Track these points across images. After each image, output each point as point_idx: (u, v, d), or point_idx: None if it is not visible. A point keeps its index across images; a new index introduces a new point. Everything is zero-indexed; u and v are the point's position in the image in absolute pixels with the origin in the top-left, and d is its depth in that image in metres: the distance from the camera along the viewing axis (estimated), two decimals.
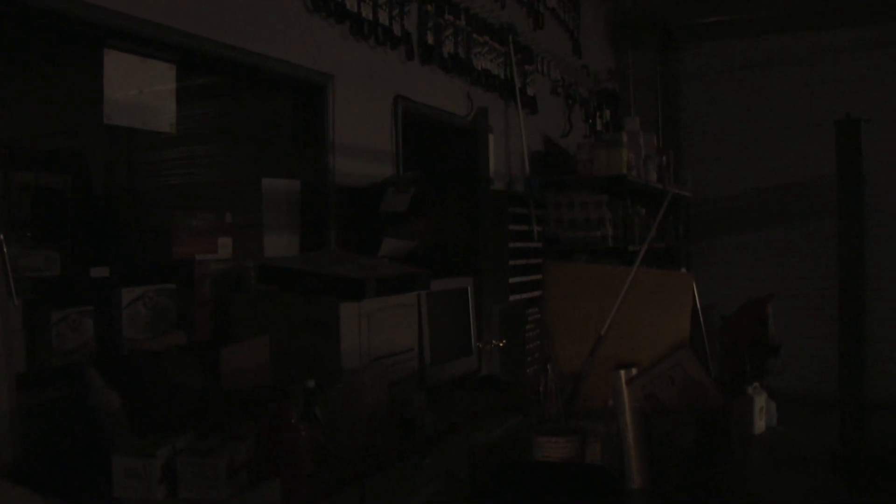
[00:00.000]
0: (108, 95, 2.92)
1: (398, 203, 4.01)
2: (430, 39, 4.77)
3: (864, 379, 6.17)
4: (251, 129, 4.01)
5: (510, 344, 4.56)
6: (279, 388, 2.62)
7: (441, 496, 2.97)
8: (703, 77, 8.67)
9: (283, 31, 3.67)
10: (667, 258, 7.96)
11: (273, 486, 2.20)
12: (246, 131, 3.99)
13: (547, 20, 6.58)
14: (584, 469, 3.40)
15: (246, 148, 4.02)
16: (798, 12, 7.93)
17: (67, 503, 2.08)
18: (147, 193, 3.46)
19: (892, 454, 5.74)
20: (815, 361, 7.34)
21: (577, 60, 7.31)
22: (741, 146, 8.45)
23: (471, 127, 4.91)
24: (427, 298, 3.43)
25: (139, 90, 3.08)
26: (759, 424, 7.01)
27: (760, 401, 7.03)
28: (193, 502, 2.05)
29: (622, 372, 5.51)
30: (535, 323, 5.27)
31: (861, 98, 7.33)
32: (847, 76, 7.88)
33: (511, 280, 4.97)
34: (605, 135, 7.07)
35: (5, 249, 2.36)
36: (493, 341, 4.71)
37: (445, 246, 4.70)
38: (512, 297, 4.94)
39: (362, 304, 2.95)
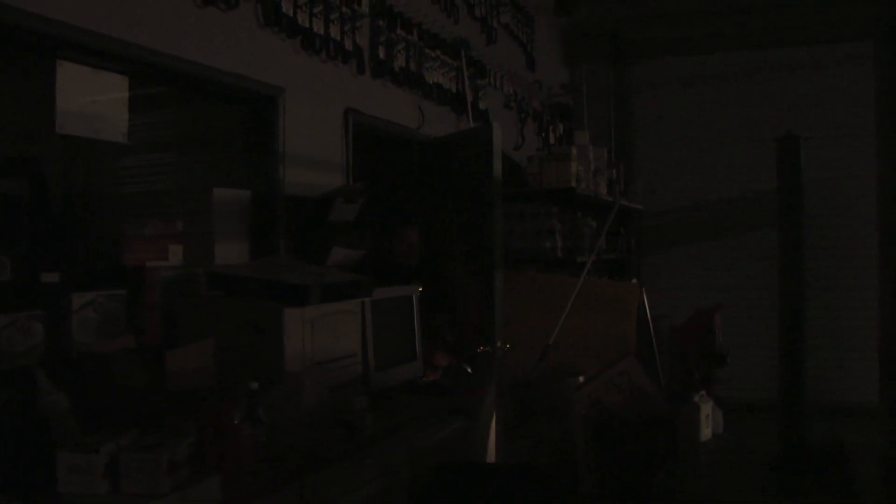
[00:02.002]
0: (61, 105, 3.00)
1: (347, 213, 4.12)
2: (381, 54, 4.89)
3: (804, 385, 6.35)
4: (203, 139, 4.10)
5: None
6: (223, 389, 2.71)
7: (381, 496, 3.07)
8: (654, 92, 8.87)
9: (235, 44, 3.76)
10: (618, 270, 8.13)
11: (213, 482, 2.29)
12: (198, 142, 4.08)
13: (500, 35, 6.72)
14: (522, 469, 3.51)
15: (198, 158, 4.11)
16: (744, 32, 8.18)
17: (11, 500, 2.16)
18: (99, 201, 3.54)
19: (829, 455, 5.93)
20: (759, 369, 7.55)
21: (530, 75, 7.46)
22: (690, 160, 8.65)
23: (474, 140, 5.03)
24: (372, 306, 3.53)
25: (92, 100, 3.16)
26: (706, 431, 7.19)
27: (707, 408, 7.21)
28: (135, 496, 2.13)
29: (570, 379, 5.67)
30: None
31: (801, 115, 7.58)
32: (789, 94, 8.13)
33: None
34: (555, 148, 7.21)
35: None
36: (500, 343, 4.83)
37: (402, 256, 4.82)
38: None
39: (306, 309, 3.05)
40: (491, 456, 4.36)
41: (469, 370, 4.24)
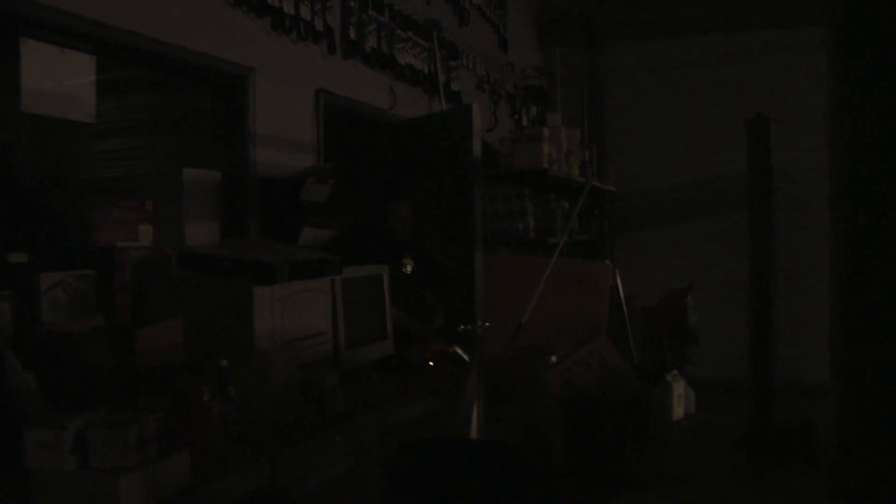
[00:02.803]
0: (26, 84, 2.99)
1: (318, 193, 4.13)
2: (353, 34, 4.88)
3: (773, 364, 6.43)
4: (174, 120, 4.09)
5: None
6: (193, 367, 2.73)
7: (352, 474, 3.10)
8: (627, 75, 8.92)
9: (204, 24, 3.75)
10: (591, 251, 8.19)
11: (183, 458, 2.31)
12: (168, 122, 4.07)
13: (473, 17, 6.73)
14: (493, 446, 3.54)
15: (168, 138, 4.10)
16: (715, 16, 8.23)
17: None
18: (69, 181, 3.53)
19: (795, 432, 6.03)
20: (730, 349, 7.64)
21: (503, 56, 7.47)
22: (662, 142, 8.72)
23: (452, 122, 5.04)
24: (342, 284, 3.55)
25: (58, 80, 3.15)
26: (678, 410, 7.29)
27: (679, 388, 7.31)
28: (103, 471, 2.14)
29: (543, 359, 5.72)
30: None
31: (772, 98, 7.64)
32: (759, 77, 8.20)
33: None
34: (527, 129, 7.24)
35: None
36: (481, 322, 4.86)
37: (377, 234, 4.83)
38: None
39: (275, 288, 3.06)
40: (473, 435, 4.41)
41: (463, 354, 4.25)
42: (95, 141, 4.05)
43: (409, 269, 4.52)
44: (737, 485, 5.64)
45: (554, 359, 5.70)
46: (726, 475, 5.80)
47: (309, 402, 3.04)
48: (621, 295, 7.60)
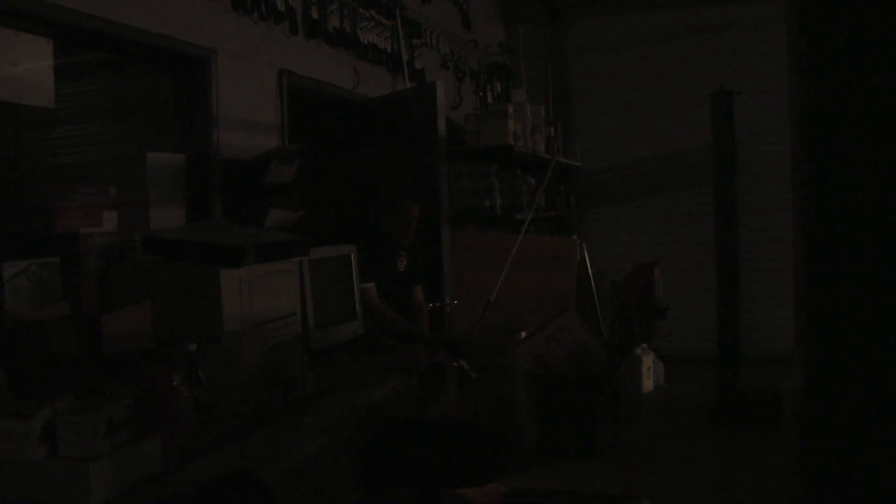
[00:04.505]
0: None
1: (283, 175, 4.11)
2: (314, 14, 4.85)
3: (740, 335, 6.52)
4: (135, 103, 4.05)
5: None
6: (161, 351, 2.71)
7: (323, 455, 3.10)
8: (591, 51, 8.93)
9: (164, 5, 3.71)
10: (559, 226, 8.23)
11: (153, 443, 2.30)
12: (130, 106, 4.03)
13: None
14: (463, 424, 3.57)
15: (130, 122, 4.06)
16: None
17: None
18: (30, 169, 3.49)
19: (761, 401, 6.13)
20: (698, 321, 7.71)
21: (466, 34, 7.46)
22: (627, 117, 8.75)
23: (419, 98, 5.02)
24: (310, 265, 3.54)
25: (15, 64, 3.11)
26: (647, 383, 7.36)
27: (648, 361, 7.38)
28: (73, 460, 2.13)
29: (512, 335, 5.75)
30: None
31: (735, 72, 7.68)
32: (723, 51, 8.25)
33: None
34: (492, 106, 7.24)
35: None
36: (449, 300, 4.87)
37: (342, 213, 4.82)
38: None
39: (243, 270, 3.05)
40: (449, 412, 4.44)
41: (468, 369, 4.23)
42: (55, 126, 4.00)
43: (402, 266, 4.53)
44: (705, 453, 5.73)
45: (523, 335, 5.73)
46: (695, 444, 5.89)
47: (279, 383, 3.04)
48: (589, 270, 7.65)
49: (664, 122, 8.59)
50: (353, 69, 5.30)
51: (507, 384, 5.62)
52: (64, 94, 3.47)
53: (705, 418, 6.37)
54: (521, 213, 6.57)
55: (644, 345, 7.33)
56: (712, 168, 6.48)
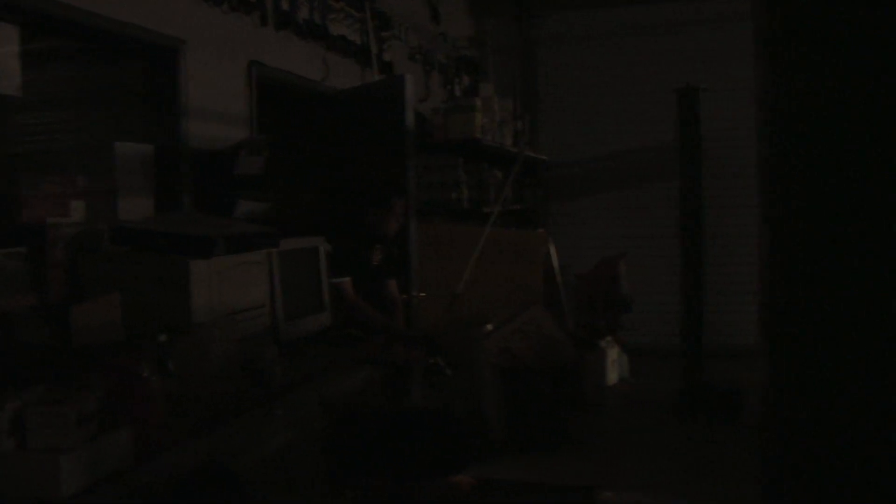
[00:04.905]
0: None
1: (252, 166, 4.10)
2: (285, 5, 4.84)
3: (703, 329, 6.60)
4: (103, 93, 4.01)
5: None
6: (131, 343, 2.71)
7: (293, 446, 3.11)
8: (559, 45, 8.97)
9: None
10: (526, 219, 8.27)
11: (123, 434, 2.30)
12: (98, 95, 3.99)
13: None
14: (429, 414, 3.59)
15: (98, 111, 4.03)
16: None
17: None
18: None
19: (725, 395, 6.21)
20: (662, 315, 7.79)
21: (435, 27, 7.46)
22: (594, 111, 8.80)
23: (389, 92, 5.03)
24: (279, 257, 3.54)
25: None
26: (612, 376, 7.42)
27: (613, 354, 7.45)
28: (43, 451, 2.12)
29: (478, 328, 5.78)
30: None
31: (701, 67, 7.77)
32: (690, 47, 8.33)
33: None
34: (460, 100, 7.26)
35: None
36: (416, 293, 4.88)
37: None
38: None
39: (213, 261, 3.05)
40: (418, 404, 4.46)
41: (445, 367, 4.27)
42: (21, 114, 3.96)
43: (377, 260, 4.53)
44: (669, 443, 5.81)
45: (490, 327, 5.76)
46: (660, 435, 5.97)
47: (249, 375, 3.05)
48: (555, 263, 7.69)
49: (631, 117, 8.66)
50: (322, 61, 5.29)
51: (474, 376, 5.65)
52: (31, 82, 3.44)
53: (670, 410, 6.45)
54: (488, 207, 6.60)
55: (609, 338, 7.39)
56: (678, 163, 6.55)
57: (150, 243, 3.10)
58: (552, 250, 7.60)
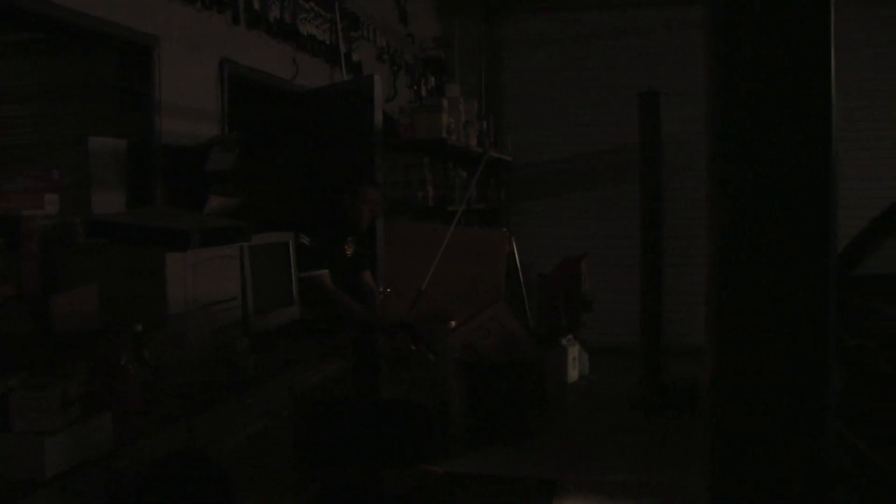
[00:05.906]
0: None
1: (223, 162, 4.18)
2: (256, 5, 4.91)
3: (662, 328, 6.75)
4: (76, 88, 4.06)
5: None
6: (109, 332, 2.78)
7: (265, 434, 3.20)
8: (524, 47, 9.11)
9: None
10: (490, 219, 8.39)
11: (105, 418, 2.38)
12: (72, 90, 4.04)
13: None
14: (396, 405, 3.68)
15: (72, 106, 4.07)
16: None
17: None
18: None
19: (681, 391, 6.38)
20: (622, 314, 7.94)
21: (403, 28, 7.56)
22: (558, 114, 8.96)
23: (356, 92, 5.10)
24: (250, 251, 3.62)
25: None
26: (573, 373, 7.56)
27: (574, 351, 7.59)
28: (28, 434, 2.19)
29: (442, 324, 5.88)
30: None
31: (663, 72, 7.93)
32: (652, 52, 8.51)
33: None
34: (426, 100, 7.36)
35: None
36: (382, 289, 4.97)
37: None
38: None
39: (188, 254, 3.12)
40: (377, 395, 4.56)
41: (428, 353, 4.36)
42: None
43: (350, 252, 4.61)
44: (628, 437, 5.96)
45: (454, 324, 5.87)
46: (618, 429, 6.12)
47: (222, 365, 3.13)
48: (518, 262, 7.82)
49: (595, 120, 8.83)
50: (292, 60, 5.36)
51: (438, 372, 5.75)
52: (3, 76, 3.48)
53: (628, 406, 6.61)
54: (452, 206, 6.71)
55: (570, 336, 7.54)
56: (639, 165, 6.70)
57: (126, 236, 3.17)
58: (515, 249, 7.73)
